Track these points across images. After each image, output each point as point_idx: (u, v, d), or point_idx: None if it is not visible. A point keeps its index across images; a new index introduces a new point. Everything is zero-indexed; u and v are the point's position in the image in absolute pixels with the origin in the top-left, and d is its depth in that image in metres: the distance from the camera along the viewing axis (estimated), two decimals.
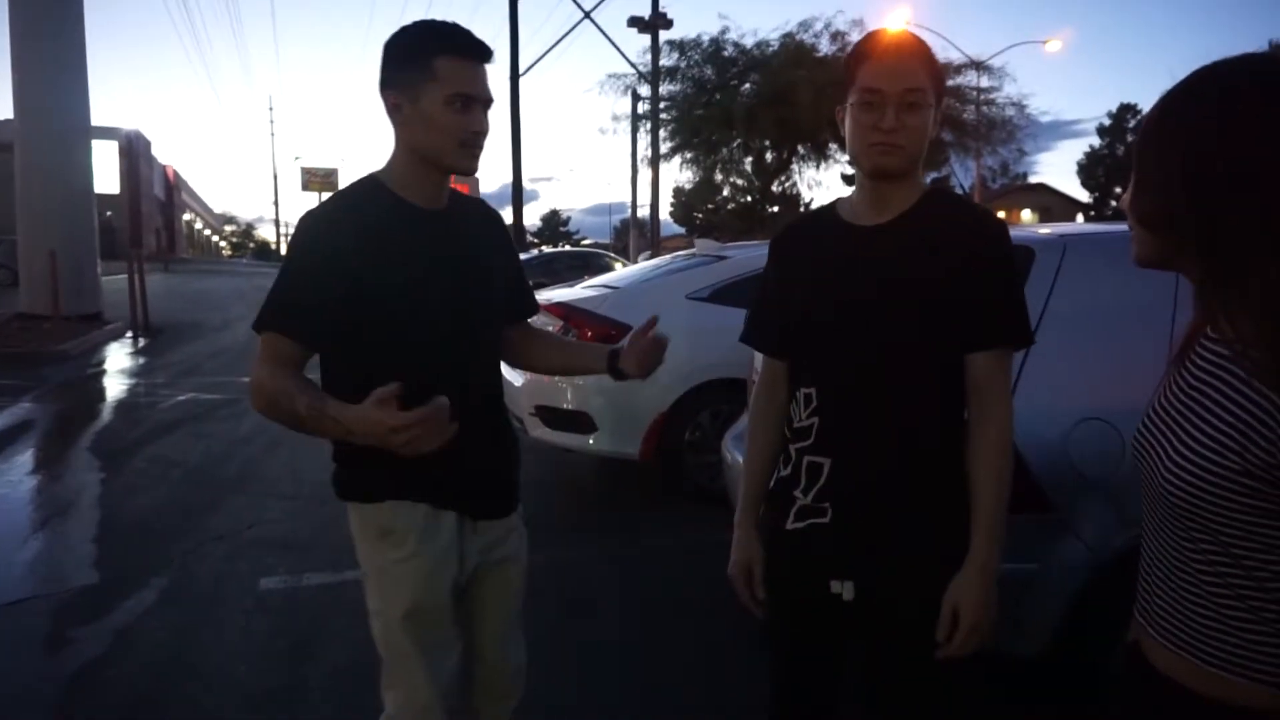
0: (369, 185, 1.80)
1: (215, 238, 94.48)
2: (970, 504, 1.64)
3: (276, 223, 74.54)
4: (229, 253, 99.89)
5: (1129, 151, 1.05)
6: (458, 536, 1.89)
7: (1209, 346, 1.05)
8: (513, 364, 2.15)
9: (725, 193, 31.78)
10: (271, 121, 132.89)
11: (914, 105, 1.62)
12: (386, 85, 1.74)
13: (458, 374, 1.80)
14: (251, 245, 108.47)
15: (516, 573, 2.04)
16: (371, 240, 1.71)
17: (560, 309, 5.16)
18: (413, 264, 1.75)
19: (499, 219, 2.01)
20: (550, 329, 4.67)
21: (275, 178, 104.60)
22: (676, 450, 5.16)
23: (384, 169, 1.82)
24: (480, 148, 1.78)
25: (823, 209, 1.83)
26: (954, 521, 1.64)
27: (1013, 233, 2.91)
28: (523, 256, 18.94)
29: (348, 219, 1.73)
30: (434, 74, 1.70)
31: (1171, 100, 1.04)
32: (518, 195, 24.55)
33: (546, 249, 25.68)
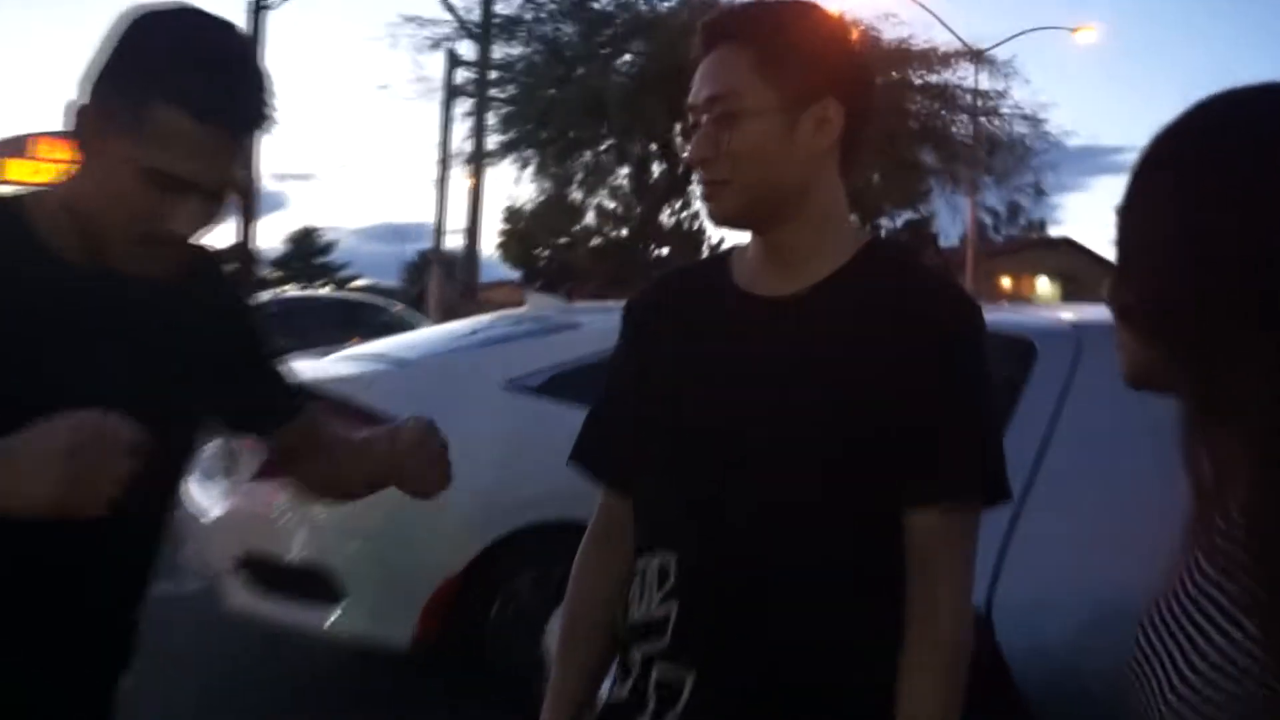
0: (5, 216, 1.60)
1: None
2: None
3: None
4: None
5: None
6: None
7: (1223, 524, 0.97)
8: (312, 488, 1.96)
9: (588, 220, 30.71)
10: None
11: (728, 116, 1.49)
12: (91, 90, 1.47)
13: (74, 539, 1.51)
14: None
15: None
16: None
17: None
18: (35, 340, 1.54)
19: (215, 281, 1.76)
20: None
21: None
22: (475, 634, 4.38)
23: (34, 197, 1.61)
24: (181, 253, 1.57)
25: (711, 262, 1.72)
26: None
27: (1006, 316, 3.15)
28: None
29: None
30: (144, 120, 1.42)
31: (1167, 143, 0.99)
32: (248, 202, 21.40)
33: (291, 290, 23.37)
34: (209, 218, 1.52)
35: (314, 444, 1.87)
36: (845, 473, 1.47)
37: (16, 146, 21.25)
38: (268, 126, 1.52)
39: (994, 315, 2.74)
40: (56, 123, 1.55)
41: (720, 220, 1.55)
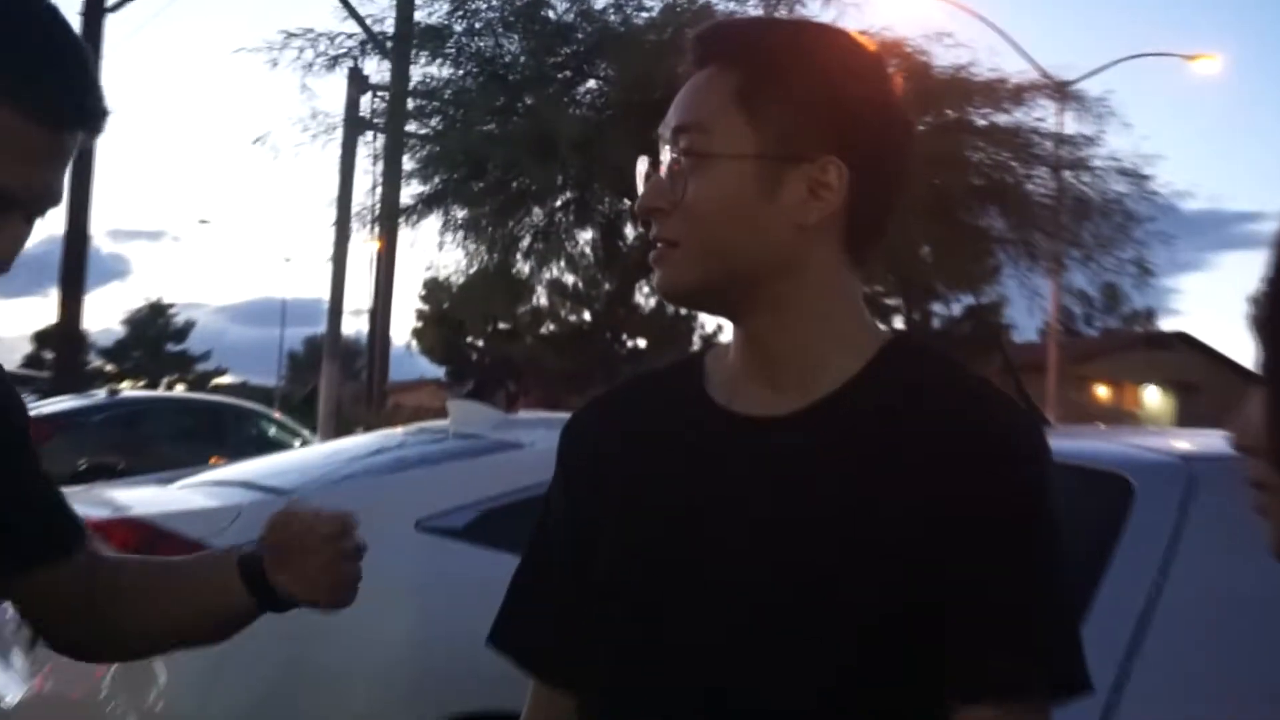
0: None
1: None
2: None
3: None
4: None
5: None
6: None
7: None
8: (67, 648, 1.92)
9: (538, 299, 27.95)
10: None
11: (693, 156, 1.43)
12: None
13: None
14: None
15: None
16: None
17: (139, 529, 4.22)
18: None
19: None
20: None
21: None
22: None
23: None
24: None
25: (679, 367, 1.64)
26: None
27: (1095, 446, 3.25)
28: (73, 403, 17.27)
29: None
30: None
31: None
32: (75, 264, 22.37)
33: (130, 389, 22.53)
34: (24, 240, 1.59)
35: (96, 595, 1.83)
36: (863, 660, 1.39)
37: None
38: (103, 126, 1.57)
39: (1077, 443, 3.18)
40: None
41: (666, 293, 1.53)
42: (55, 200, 1.53)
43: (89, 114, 1.47)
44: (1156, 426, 29.52)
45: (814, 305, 1.42)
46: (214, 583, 1.70)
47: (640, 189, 1.47)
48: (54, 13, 1.49)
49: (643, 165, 1.47)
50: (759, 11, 20.71)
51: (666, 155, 1.41)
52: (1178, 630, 2.46)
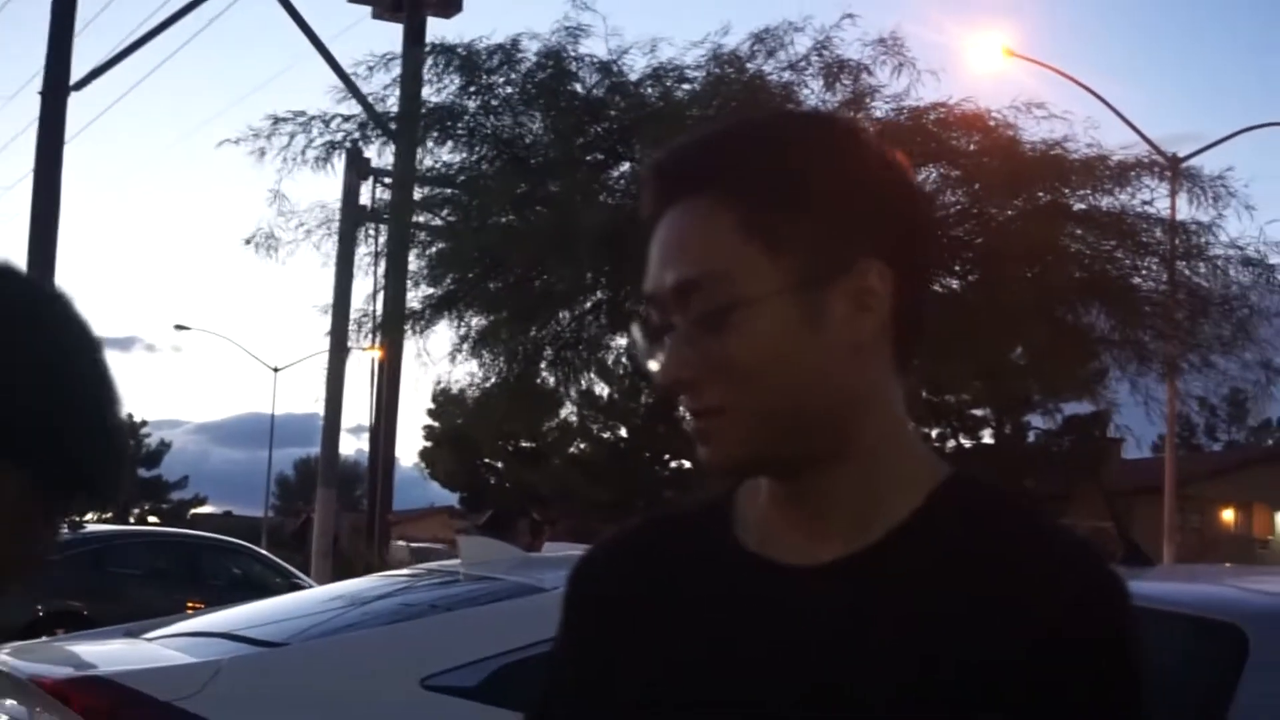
0: None
1: None
2: None
3: None
4: None
5: None
6: None
7: None
8: None
9: (565, 414, 26.37)
10: None
11: (716, 313, 1.30)
12: None
13: None
14: None
15: None
16: None
17: (105, 690, 4.00)
18: None
19: None
20: None
21: None
22: None
23: None
24: None
25: (704, 507, 1.53)
26: None
27: (1198, 591, 3.04)
28: None
29: None
30: None
31: None
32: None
33: (92, 521, 20.12)
34: None
35: None
36: None
37: None
38: None
39: (1181, 587, 3.16)
40: None
41: (724, 471, 1.41)
42: None
43: None
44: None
45: (875, 441, 1.34)
46: None
47: (649, 364, 1.37)
48: None
49: (639, 337, 1.39)
50: (818, 82, 19.14)
51: (679, 320, 1.31)
52: None
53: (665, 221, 1.32)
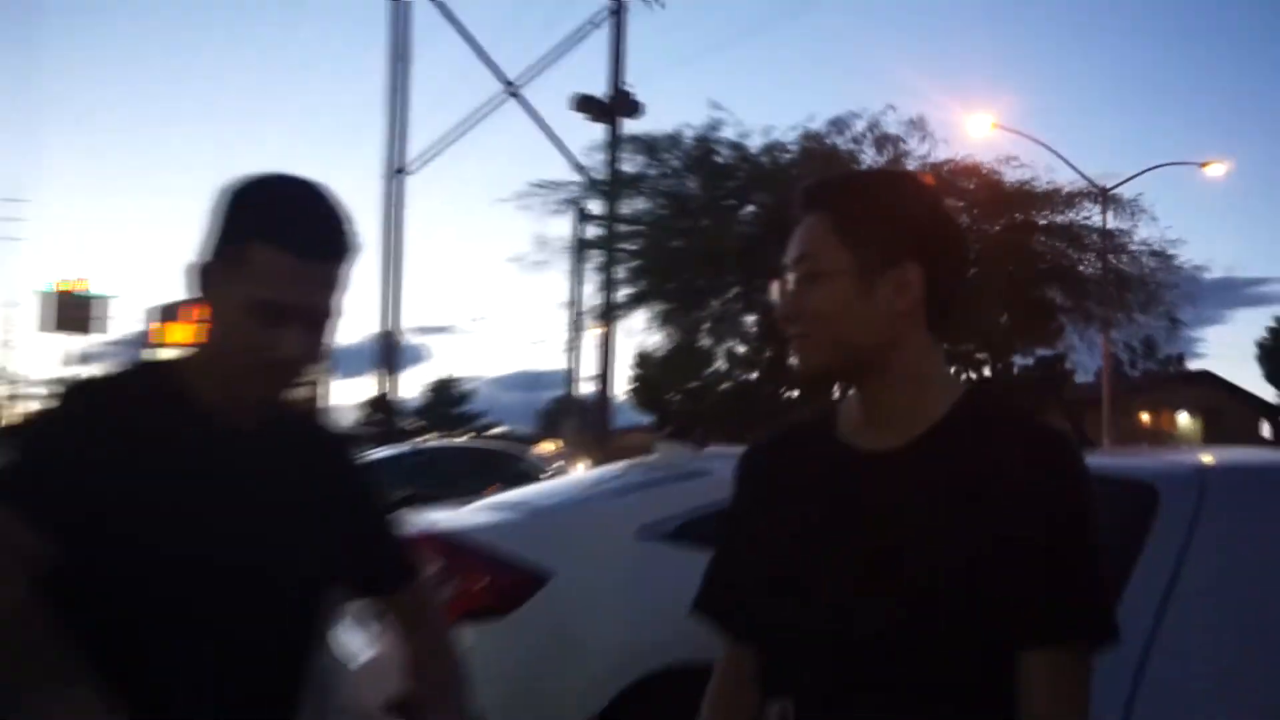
0: (151, 376, 1.77)
1: None
2: None
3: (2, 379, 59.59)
4: None
5: None
6: None
7: None
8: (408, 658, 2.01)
9: (716, 364, 29.30)
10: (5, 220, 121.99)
11: (809, 276, 1.57)
12: (208, 243, 1.68)
13: (222, 656, 1.69)
14: None
15: None
16: (131, 455, 1.63)
17: (438, 544, 4.24)
18: (180, 496, 1.65)
19: (342, 445, 1.92)
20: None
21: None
22: None
23: (186, 357, 1.78)
24: (295, 376, 1.72)
25: (816, 417, 1.72)
26: None
27: (1126, 462, 3.22)
28: (390, 451, 17.15)
29: (106, 421, 1.67)
30: (243, 264, 1.62)
31: None
32: (390, 354, 23.73)
33: (432, 439, 22.51)
34: (313, 343, 1.65)
35: (419, 619, 1.96)
36: (956, 620, 1.45)
37: (171, 312, 22.99)
38: (351, 256, 1.67)
39: (1114, 460, 3.00)
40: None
41: (804, 371, 1.60)
42: (327, 313, 1.67)
43: (333, 248, 1.65)
44: (1186, 445, 27.43)
45: (909, 371, 1.55)
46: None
47: (777, 301, 1.61)
48: (307, 182, 1.68)
49: (775, 287, 1.61)
50: (871, 149, 21.84)
51: (791, 278, 1.56)
52: (1196, 599, 2.41)
53: (800, 224, 1.59)
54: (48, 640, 1.53)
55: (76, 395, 1.74)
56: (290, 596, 1.74)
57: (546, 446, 26.13)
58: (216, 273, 1.64)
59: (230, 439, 1.70)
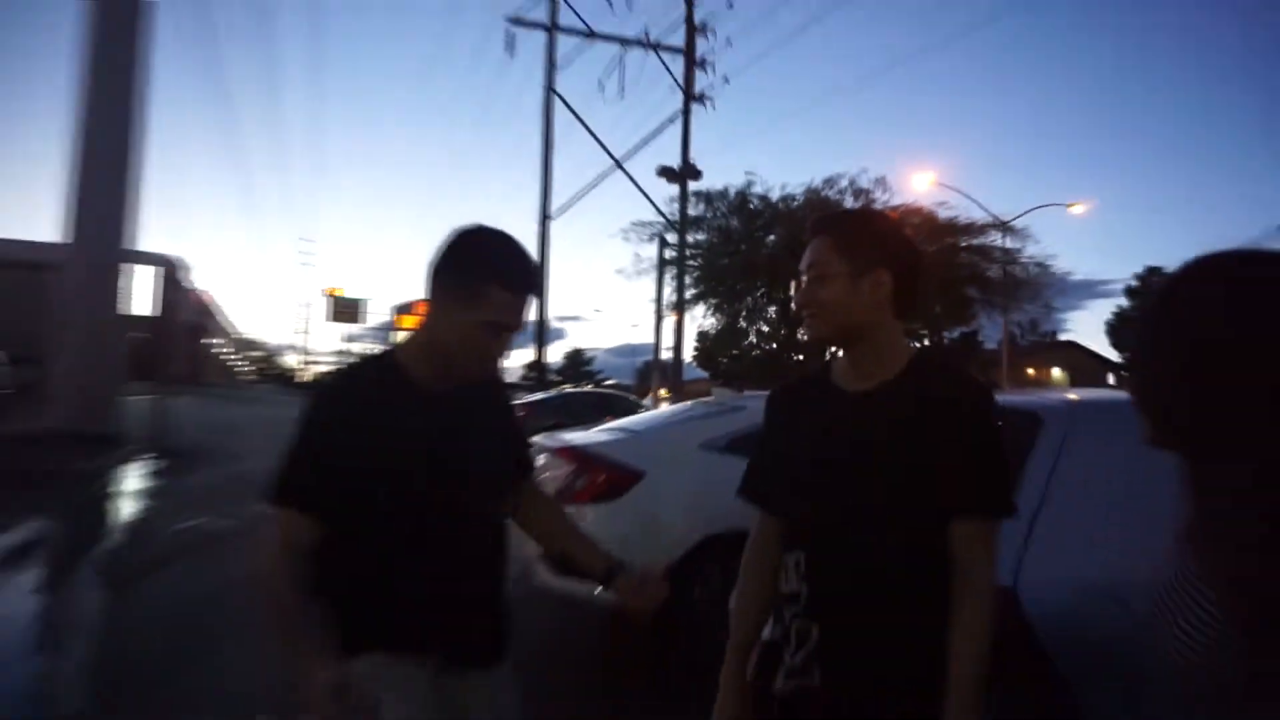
0: (382, 363, 1.90)
1: (239, 362, 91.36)
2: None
3: (302, 352, 74.36)
4: (252, 379, 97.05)
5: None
6: (442, 692, 1.87)
7: None
8: (519, 525, 2.12)
9: (750, 339, 31.71)
10: (302, 253, 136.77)
11: (817, 278, 1.76)
12: (438, 276, 1.83)
13: (448, 545, 1.86)
14: (274, 372, 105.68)
15: None
16: (372, 419, 1.80)
17: (572, 454, 5.01)
18: (407, 444, 1.82)
19: (499, 382, 2.07)
20: (560, 474, 4.81)
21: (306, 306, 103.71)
22: (685, 603, 4.76)
23: (403, 344, 1.93)
24: (491, 366, 1.90)
25: (818, 370, 1.91)
26: (941, 690, 1.66)
27: (1019, 399, 3.16)
28: (542, 395, 18.76)
29: (353, 395, 1.84)
30: (484, 298, 1.79)
31: (1163, 288, 1.13)
32: (542, 334, 25.35)
33: (569, 388, 24.77)
34: (511, 343, 1.84)
35: (534, 500, 2.12)
36: (911, 501, 1.65)
37: (405, 309, 25.29)
38: (539, 291, 1.51)
39: (1012, 397, 3.21)
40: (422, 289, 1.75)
41: (813, 340, 1.78)
42: (524, 326, 1.84)
43: (533, 286, 1.83)
44: (1058, 389, 21.71)
45: (883, 340, 1.74)
46: (589, 560, 2.04)
47: (795, 294, 1.80)
48: (514, 240, 1.83)
49: (793, 286, 1.79)
50: (850, 200, 24.31)
51: (804, 279, 1.74)
52: (1067, 485, 2.63)
53: (810, 243, 1.75)
54: (308, 604, 1.60)
55: (335, 383, 1.88)
56: (489, 497, 1.90)
57: (642, 392, 25.69)
58: (451, 295, 1.79)
59: (434, 399, 1.85)
